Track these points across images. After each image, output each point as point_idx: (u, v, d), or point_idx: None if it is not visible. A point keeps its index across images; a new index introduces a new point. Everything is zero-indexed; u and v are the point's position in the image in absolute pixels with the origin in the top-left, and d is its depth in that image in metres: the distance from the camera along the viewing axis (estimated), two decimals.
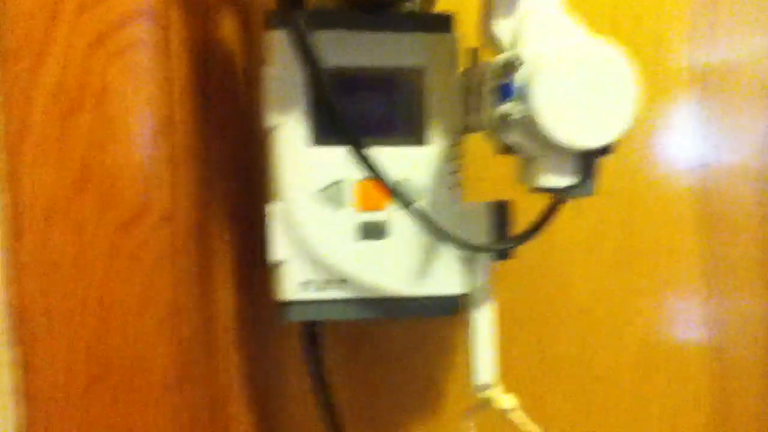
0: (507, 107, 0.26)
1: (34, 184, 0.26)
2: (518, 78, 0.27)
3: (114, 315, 0.27)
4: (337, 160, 0.30)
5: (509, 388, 0.33)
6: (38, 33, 0.26)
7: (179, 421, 0.28)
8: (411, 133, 0.31)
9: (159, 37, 0.27)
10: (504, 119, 0.26)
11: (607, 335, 0.44)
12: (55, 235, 0.26)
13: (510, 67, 0.26)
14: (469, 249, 0.30)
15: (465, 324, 0.42)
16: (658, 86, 0.43)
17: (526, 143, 0.27)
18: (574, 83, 0.26)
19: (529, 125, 0.27)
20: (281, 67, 0.29)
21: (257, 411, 0.40)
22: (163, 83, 0.27)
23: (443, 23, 0.31)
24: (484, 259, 0.32)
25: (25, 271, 0.27)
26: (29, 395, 0.27)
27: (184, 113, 0.28)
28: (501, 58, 0.26)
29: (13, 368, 0.27)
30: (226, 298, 0.33)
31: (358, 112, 0.30)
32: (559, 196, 0.30)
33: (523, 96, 0.26)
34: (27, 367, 0.27)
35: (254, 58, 0.39)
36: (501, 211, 0.32)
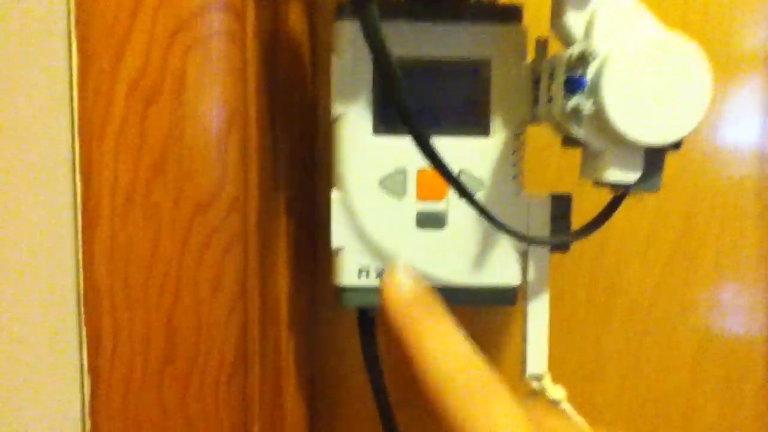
0: (577, 100, 0.26)
1: (115, 171, 0.27)
2: (590, 71, 0.26)
3: (187, 298, 0.28)
4: (400, 149, 0.30)
5: (563, 382, 0.33)
6: (119, 25, 0.27)
7: (244, 404, 0.29)
8: (476, 123, 0.31)
9: (235, 27, 0.27)
10: (574, 112, 0.26)
11: (663, 329, 0.43)
12: (133, 220, 0.27)
13: (583, 59, 0.25)
14: (530, 241, 0.30)
15: (514, 315, 0.42)
16: (721, 76, 0.42)
17: (594, 137, 0.27)
18: (648, 77, 0.26)
19: (599, 119, 0.26)
20: (349, 57, 0.30)
21: (309, 393, 0.40)
22: (238, 73, 0.27)
23: (512, 14, 0.30)
24: (542, 251, 0.31)
25: (100, 256, 0.28)
26: (99, 377, 0.28)
27: (256, 103, 0.28)
28: (574, 50, 0.25)
29: (84, 351, 0.28)
30: (286, 282, 0.34)
31: (423, 103, 0.30)
32: (624, 191, 0.29)
33: (594, 89, 0.26)
34: (98, 350, 0.28)
35: (319, 47, 0.40)
36: (563, 204, 0.31)
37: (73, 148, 0.27)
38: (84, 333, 0.28)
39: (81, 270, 0.28)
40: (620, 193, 0.29)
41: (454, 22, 0.30)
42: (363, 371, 0.34)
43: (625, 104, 0.26)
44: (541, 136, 0.40)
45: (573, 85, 0.26)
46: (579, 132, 0.27)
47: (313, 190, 0.41)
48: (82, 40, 0.27)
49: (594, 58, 0.25)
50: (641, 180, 0.28)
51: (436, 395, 0.23)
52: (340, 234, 0.30)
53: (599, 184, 0.29)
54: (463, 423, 0.22)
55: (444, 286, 0.31)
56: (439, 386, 0.23)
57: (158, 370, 0.28)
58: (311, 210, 0.41)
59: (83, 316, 0.28)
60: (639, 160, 0.28)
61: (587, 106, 0.26)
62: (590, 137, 0.27)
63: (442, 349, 0.24)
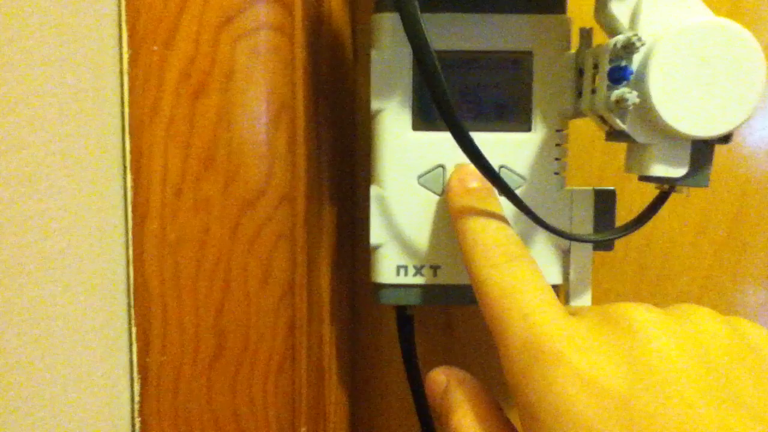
0: (623, 91, 0.25)
1: (165, 162, 0.28)
2: (636, 60, 0.25)
3: (237, 292, 0.28)
4: (438, 145, 0.30)
5: None
6: (169, 16, 0.27)
7: (292, 400, 0.29)
8: (517, 118, 0.30)
9: (283, 20, 0.27)
10: (618, 104, 0.25)
11: None
12: (182, 212, 0.28)
13: (630, 47, 0.25)
14: (573, 239, 0.29)
15: None
16: None
17: (639, 130, 0.26)
18: (696, 66, 0.25)
19: (645, 111, 0.26)
20: (389, 51, 0.30)
21: (350, 389, 0.41)
22: (286, 65, 0.28)
23: (554, 3, 0.30)
24: (585, 249, 0.31)
25: (150, 251, 0.28)
26: (148, 376, 0.29)
27: (302, 96, 0.28)
28: (620, 38, 0.25)
29: (133, 348, 0.29)
30: (328, 277, 0.34)
31: (462, 97, 0.30)
32: (670, 186, 0.28)
33: (640, 79, 0.25)
34: (148, 347, 0.29)
35: (359, 40, 0.40)
36: (607, 200, 0.31)
37: (123, 139, 0.28)
38: (134, 330, 0.28)
39: (131, 265, 0.28)
40: (667, 188, 0.28)
41: (495, 13, 0.29)
42: (400, 367, 0.34)
43: (671, 95, 0.25)
44: (582, 130, 0.39)
45: (618, 76, 0.26)
46: (624, 125, 0.26)
47: (352, 185, 0.41)
48: (132, 29, 0.27)
49: (640, 47, 0.25)
50: (689, 175, 0.27)
51: (478, 271, 0.25)
52: (378, 231, 0.30)
53: (645, 179, 0.28)
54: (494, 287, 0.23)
55: None
56: (478, 258, 0.25)
57: (207, 366, 0.28)
58: (351, 205, 0.41)
59: (133, 313, 0.29)
60: (686, 154, 0.27)
61: (632, 97, 0.25)
62: (635, 130, 0.26)
63: (484, 229, 0.26)
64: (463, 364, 0.43)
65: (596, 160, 0.41)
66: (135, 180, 0.28)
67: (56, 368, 0.25)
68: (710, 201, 0.41)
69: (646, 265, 0.42)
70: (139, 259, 0.28)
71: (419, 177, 0.30)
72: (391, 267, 0.30)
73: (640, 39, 0.25)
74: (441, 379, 0.25)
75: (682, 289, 0.42)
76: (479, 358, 0.42)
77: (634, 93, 0.25)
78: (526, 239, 0.30)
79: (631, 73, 0.26)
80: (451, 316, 0.42)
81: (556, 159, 0.30)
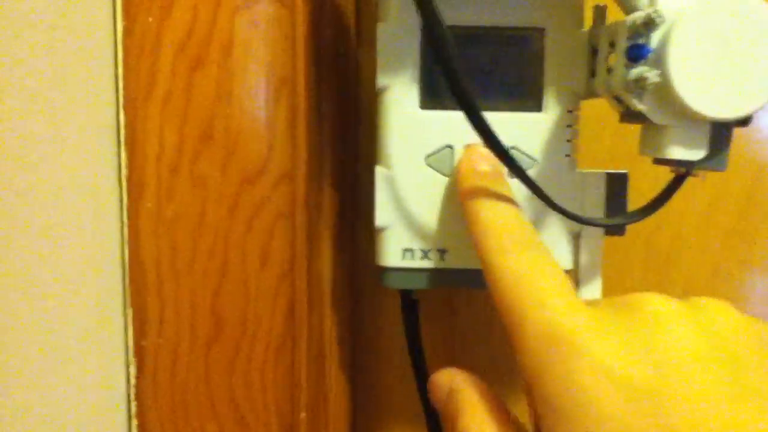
0: (641, 70, 0.24)
1: (160, 138, 0.27)
2: (655, 38, 0.24)
3: (235, 273, 0.27)
4: (447, 124, 0.29)
5: None
6: None
7: (290, 384, 0.29)
8: (528, 97, 0.29)
9: None
10: (636, 83, 0.24)
11: None
12: (179, 190, 0.27)
13: (650, 24, 0.23)
14: (585, 223, 0.28)
15: None
16: None
17: (656, 110, 0.25)
18: (718, 44, 0.24)
19: (663, 91, 0.25)
20: (396, 26, 0.28)
21: (349, 371, 0.40)
22: (286, 38, 0.26)
23: None
24: (596, 233, 0.30)
25: (145, 229, 0.27)
26: (144, 355, 0.28)
27: (303, 70, 0.27)
28: (639, 14, 0.24)
29: (129, 330, 0.28)
30: (329, 259, 0.33)
31: (471, 76, 0.29)
32: (687, 169, 0.27)
33: (658, 58, 0.24)
34: (143, 327, 0.28)
35: (363, 13, 0.38)
36: (619, 183, 0.30)
37: (118, 113, 0.27)
38: (129, 312, 0.28)
39: (126, 245, 0.28)
40: (683, 171, 0.27)
41: None
42: (402, 352, 0.33)
43: (692, 74, 0.24)
44: (590, 112, 0.38)
45: (636, 54, 0.25)
46: (640, 105, 0.25)
47: (354, 164, 0.40)
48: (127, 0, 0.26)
49: (662, 22, 0.24)
50: (706, 158, 0.26)
51: (487, 253, 0.24)
52: (384, 212, 0.29)
53: (660, 161, 0.27)
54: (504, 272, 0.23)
55: None
56: (491, 245, 0.24)
57: (205, 349, 0.28)
58: (352, 185, 0.40)
59: (129, 293, 0.28)
60: (705, 136, 0.26)
61: (653, 76, 0.24)
62: (652, 111, 0.25)
63: (496, 215, 0.25)
64: (467, 349, 0.42)
65: (606, 142, 0.40)
66: (130, 156, 0.27)
67: (48, 351, 0.24)
68: (719, 186, 0.40)
69: (653, 251, 0.41)
70: (134, 239, 0.27)
71: (427, 157, 0.29)
72: (396, 250, 0.29)
73: (660, 15, 0.23)
74: (445, 381, 0.25)
75: (690, 275, 0.41)
76: (483, 342, 0.41)
77: (655, 71, 0.24)
78: (536, 223, 0.29)
79: (650, 51, 0.24)
80: (454, 298, 0.41)
81: (568, 141, 0.29)
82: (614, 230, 0.30)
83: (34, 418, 0.24)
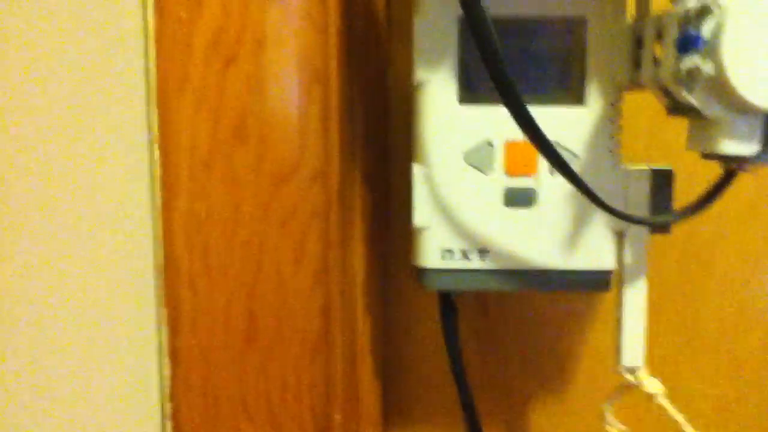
0: (693, 61, 0.23)
1: (193, 135, 0.26)
2: (707, 27, 0.23)
3: (269, 272, 0.27)
4: (487, 119, 0.28)
5: (653, 369, 0.30)
6: None
7: (325, 385, 0.28)
8: (570, 90, 0.28)
9: None
10: (688, 75, 0.23)
11: (761, 312, 0.40)
12: (212, 187, 0.26)
13: (704, 12, 0.22)
14: (631, 221, 0.27)
15: (599, 300, 0.39)
16: None
17: (708, 103, 0.24)
18: None
19: (716, 83, 0.24)
20: (433, 18, 0.27)
21: (381, 371, 0.39)
22: (319, 32, 0.26)
23: None
24: (641, 231, 0.29)
25: (178, 227, 0.27)
26: (178, 355, 0.27)
27: (336, 65, 0.27)
28: (692, 2, 0.23)
29: (163, 331, 0.27)
30: (362, 260, 0.33)
31: (511, 67, 0.28)
32: (739, 165, 0.26)
33: (711, 48, 0.23)
34: (177, 329, 0.27)
35: (395, 5, 0.38)
36: (664, 179, 0.29)
37: (149, 109, 0.26)
38: (163, 312, 0.27)
39: (160, 244, 0.27)
40: (734, 167, 0.26)
41: None
42: (434, 354, 0.33)
43: (746, 65, 0.23)
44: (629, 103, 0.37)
45: (687, 44, 0.23)
46: (691, 97, 0.24)
47: (386, 161, 0.39)
48: None
49: (715, 12, 0.23)
50: (761, 153, 0.25)
51: None
52: (423, 212, 0.28)
53: (710, 156, 0.26)
54: None
55: (532, 269, 0.28)
56: None
57: (239, 349, 0.27)
58: (385, 182, 0.39)
59: (162, 292, 0.27)
60: (758, 130, 0.25)
61: (707, 68, 0.23)
62: (704, 103, 0.24)
63: None
64: (498, 349, 0.41)
65: (643, 137, 0.39)
66: (162, 154, 0.26)
67: (84, 352, 0.24)
68: (761, 180, 0.39)
69: (692, 248, 0.40)
70: (168, 236, 0.27)
71: (465, 154, 0.28)
72: (435, 250, 0.28)
73: (716, 3, 0.22)
74: None
75: (729, 275, 0.40)
76: (513, 342, 0.40)
77: (709, 63, 0.23)
78: (578, 222, 0.28)
79: (702, 41, 0.23)
80: (487, 298, 0.40)
81: (611, 135, 0.28)
82: (660, 228, 0.29)
83: (73, 418, 0.23)
